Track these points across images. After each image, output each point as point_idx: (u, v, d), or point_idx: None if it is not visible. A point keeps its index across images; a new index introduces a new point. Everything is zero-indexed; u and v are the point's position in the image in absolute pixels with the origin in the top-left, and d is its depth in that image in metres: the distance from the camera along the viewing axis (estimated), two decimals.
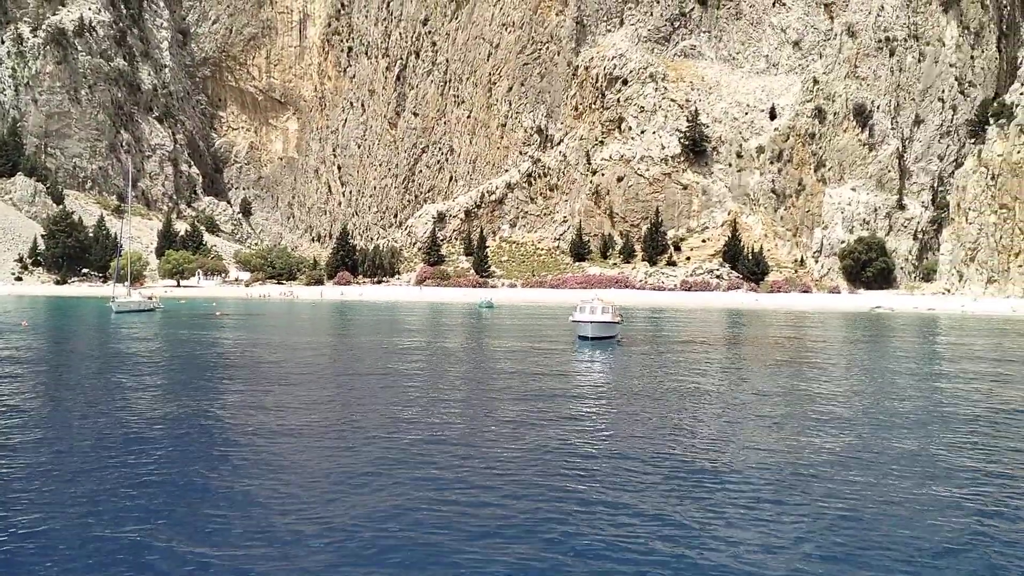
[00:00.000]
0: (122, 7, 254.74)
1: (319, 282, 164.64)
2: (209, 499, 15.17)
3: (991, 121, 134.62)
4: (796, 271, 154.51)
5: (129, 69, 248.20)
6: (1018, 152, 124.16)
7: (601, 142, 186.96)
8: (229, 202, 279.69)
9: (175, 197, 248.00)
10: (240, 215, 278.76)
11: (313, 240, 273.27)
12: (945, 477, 17.39)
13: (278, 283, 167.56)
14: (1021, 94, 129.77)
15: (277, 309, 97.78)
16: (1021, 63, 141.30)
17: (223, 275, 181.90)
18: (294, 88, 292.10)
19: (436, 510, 14.59)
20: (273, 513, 14.38)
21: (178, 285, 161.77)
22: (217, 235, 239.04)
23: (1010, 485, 16.86)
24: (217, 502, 14.97)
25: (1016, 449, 20.19)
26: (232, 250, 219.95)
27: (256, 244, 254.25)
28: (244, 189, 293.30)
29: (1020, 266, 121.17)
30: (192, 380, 31.79)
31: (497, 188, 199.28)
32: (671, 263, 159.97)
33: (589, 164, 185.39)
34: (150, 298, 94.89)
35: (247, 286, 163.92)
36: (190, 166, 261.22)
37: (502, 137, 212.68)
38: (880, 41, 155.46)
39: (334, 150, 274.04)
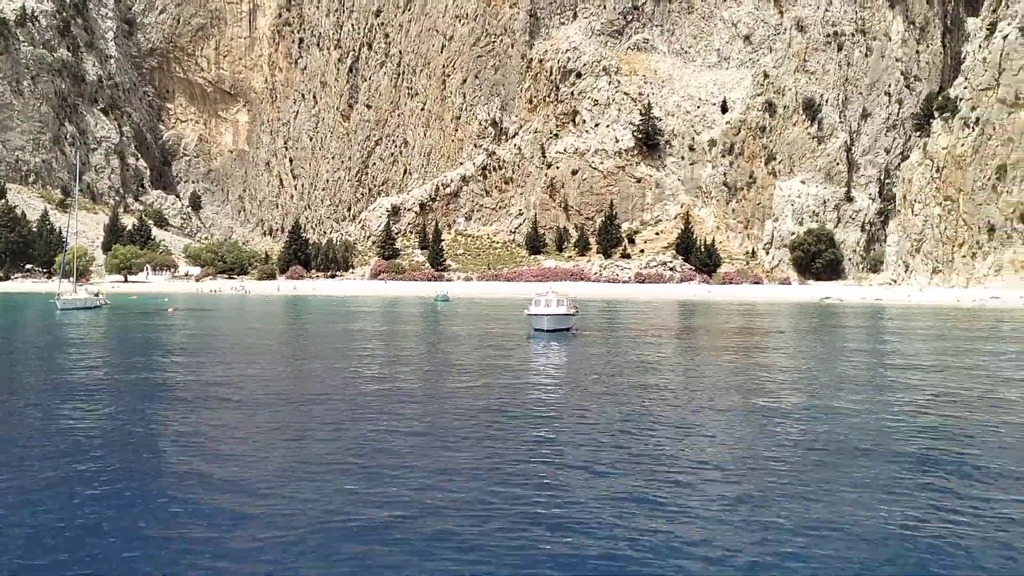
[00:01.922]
0: None
1: (271, 276, 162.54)
2: (155, 498, 14.79)
3: (936, 115, 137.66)
4: (747, 263, 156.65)
5: (73, 60, 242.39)
6: (962, 145, 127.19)
7: (556, 135, 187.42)
8: (178, 196, 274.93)
9: (122, 191, 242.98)
10: (189, 209, 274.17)
11: (265, 234, 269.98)
12: (883, 442, 17.76)
13: (229, 278, 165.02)
14: (965, 88, 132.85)
15: (229, 304, 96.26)
16: (965, 58, 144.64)
17: (172, 270, 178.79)
18: (244, 80, 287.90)
19: (389, 495, 14.42)
20: (228, 504, 14.06)
21: (126, 280, 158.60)
22: (166, 229, 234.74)
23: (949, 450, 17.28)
24: (163, 498, 14.61)
25: (952, 422, 20.71)
26: (181, 244, 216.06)
27: (206, 238, 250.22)
28: (193, 182, 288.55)
29: (964, 257, 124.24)
30: (141, 380, 31.05)
31: (452, 181, 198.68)
32: (625, 255, 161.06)
33: (544, 157, 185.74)
34: (97, 294, 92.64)
35: (197, 281, 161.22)
36: (137, 159, 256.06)
37: (456, 130, 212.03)
38: (828, 36, 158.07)
39: (285, 142, 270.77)
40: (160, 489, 15.22)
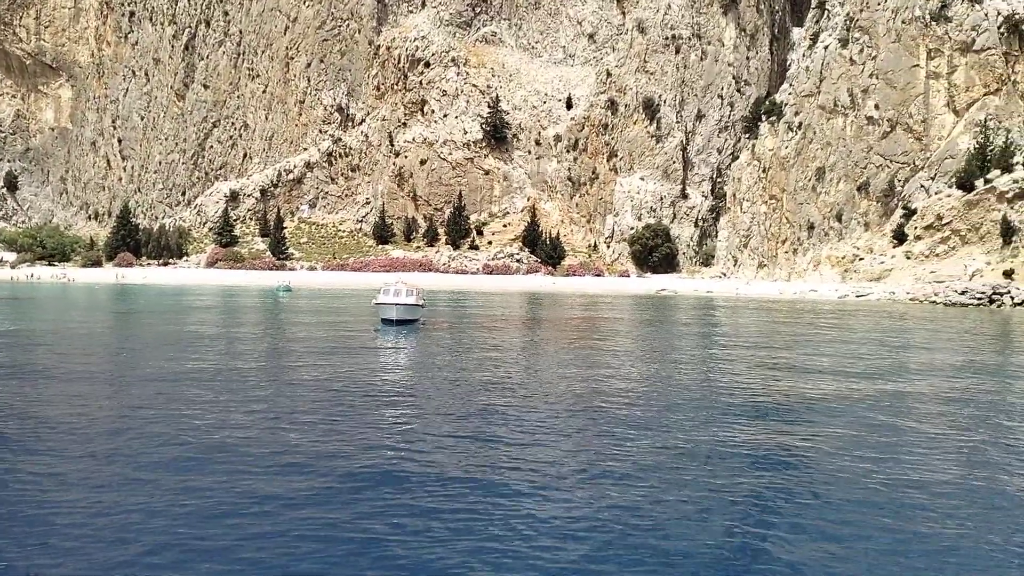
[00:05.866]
0: None
1: (96, 263, 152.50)
2: None
3: (763, 118, 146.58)
4: (590, 256, 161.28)
5: None
6: (786, 147, 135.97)
7: (404, 124, 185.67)
8: None
9: None
10: (4, 190, 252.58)
11: (90, 218, 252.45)
12: (713, 419, 18.71)
13: (49, 264, 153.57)
14: (789, 94, 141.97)
15: (48, 293, 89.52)
16: (790, 65, 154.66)
17: None
18: (68, 53, 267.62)
19: (227, 507, 13.74)
20: (56, 521, 12.96)
21: None
22: None
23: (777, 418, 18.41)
24: None
25: (771, 391, 22.17)
26: None
27: (23, 222, 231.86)
28: (9, 162, 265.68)
29: (786, 252, 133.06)
30: None
31: (295, 167, 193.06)
32: (474, 247, 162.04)
33: (392, 146, 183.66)
34: None
35: (12, 268, 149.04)
36: None
37: (300, 114, 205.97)
38: (667, 38, 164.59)
39: (114, 121, 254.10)
40: None
